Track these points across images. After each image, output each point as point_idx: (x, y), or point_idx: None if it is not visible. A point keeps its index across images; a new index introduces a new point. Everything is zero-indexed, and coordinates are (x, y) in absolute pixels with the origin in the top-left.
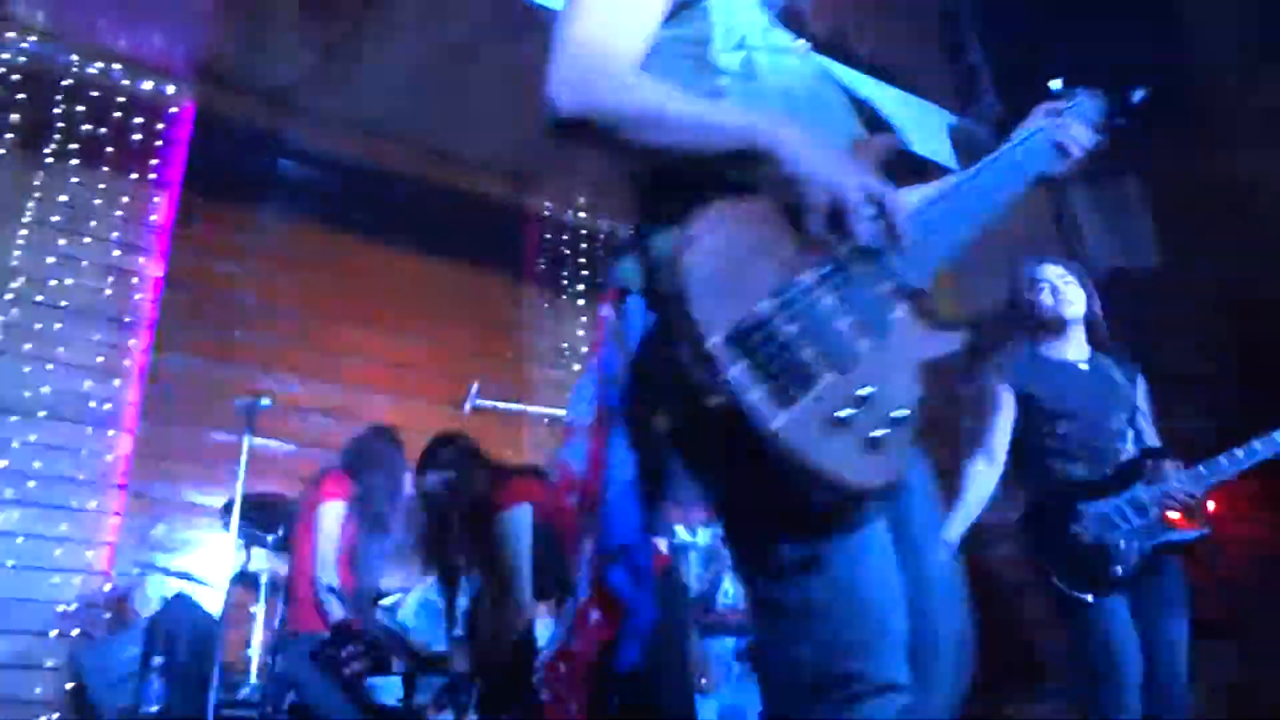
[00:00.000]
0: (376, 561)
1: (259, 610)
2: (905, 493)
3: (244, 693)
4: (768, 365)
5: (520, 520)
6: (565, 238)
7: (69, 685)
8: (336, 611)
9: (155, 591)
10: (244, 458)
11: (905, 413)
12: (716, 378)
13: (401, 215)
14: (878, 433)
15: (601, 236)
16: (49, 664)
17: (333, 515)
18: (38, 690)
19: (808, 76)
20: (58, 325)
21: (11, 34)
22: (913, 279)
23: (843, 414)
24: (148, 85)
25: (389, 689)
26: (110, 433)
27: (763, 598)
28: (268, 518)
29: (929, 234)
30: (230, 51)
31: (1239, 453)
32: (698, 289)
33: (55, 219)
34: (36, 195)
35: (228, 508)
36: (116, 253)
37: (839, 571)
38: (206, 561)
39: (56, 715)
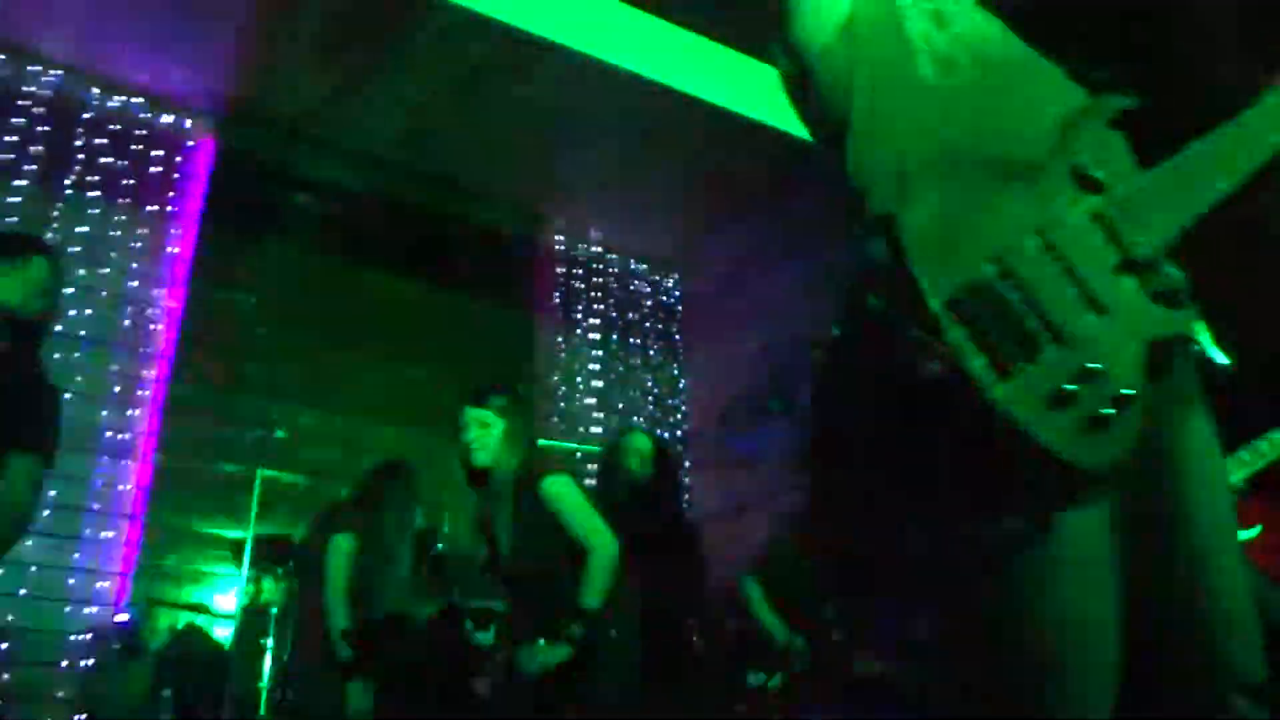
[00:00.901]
0: (386, 593)
1: (269, 642)
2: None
3: None
4: (988, 333)
5: None
6: (578, 271)
7: (80, 717)
8: (343, 653)
9: (166, 622)
10: (257, 489)
11: (1132, 392)
12: (935, 344)
13: (414, 247)
14: (1104, 411)
15: (614, 270)
16: (60, 694)
17: (343, 550)
18: None
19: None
20: (75, 354)
21: (35, 68)
22: (1142, 250)
23: (1067, 389)
24: (168, 119)
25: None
26: (125, 463)
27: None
28: (278, 551)
29: (1159, 203)
30: (248, 86)
31: (1262, 445)
32: (917, 250)
33: (74, 249)
34: (55, 226)
35: (239, 540)
36: (134, 283)
37: (1033, 570)
38: (217, 593)
39: None
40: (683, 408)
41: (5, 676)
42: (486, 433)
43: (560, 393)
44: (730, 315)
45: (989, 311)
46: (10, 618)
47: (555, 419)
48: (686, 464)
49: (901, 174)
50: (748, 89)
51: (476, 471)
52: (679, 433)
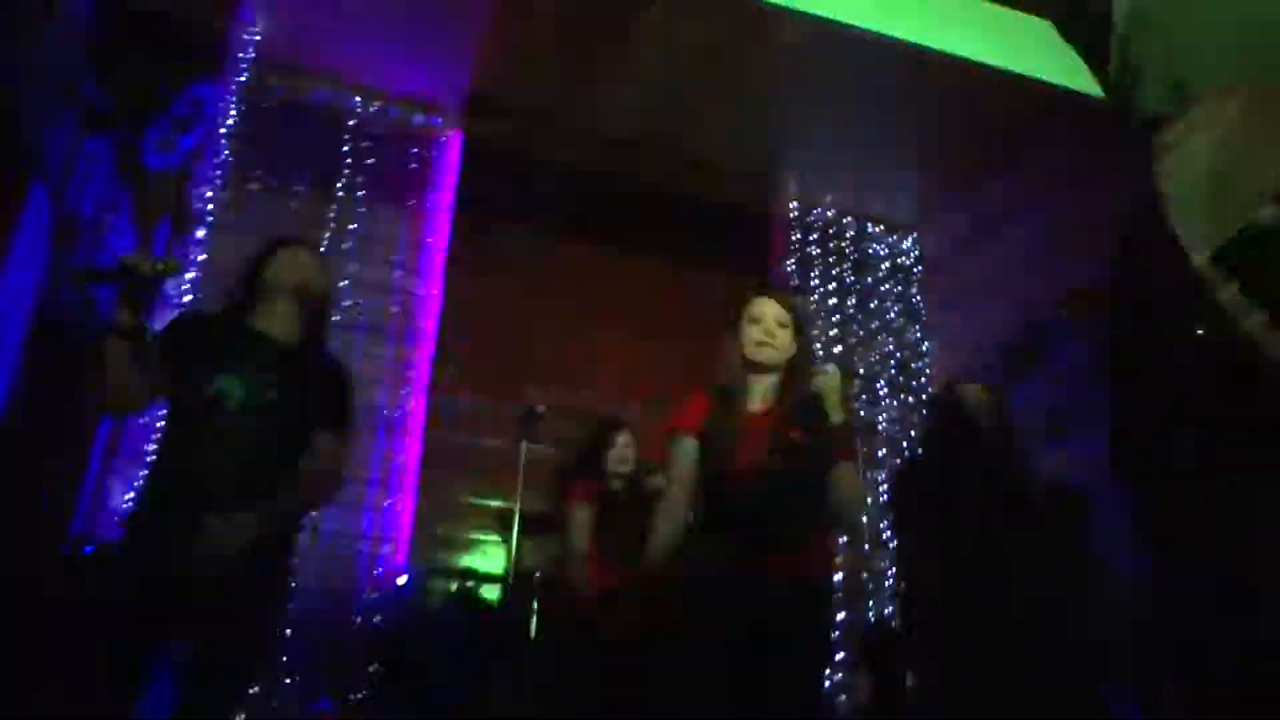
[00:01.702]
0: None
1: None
2: None
3: None
4: (1267, 287)
5: None
6: (814, 237)
7: (373, 668)
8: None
9: (441, 586)
10: (522, 461)
11: None
12: (1207, 302)
13: (654, 224)
14: None
15: (850, 235)
16: (354, 651)
17: (582, 516)
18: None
19: None
20: (352, 342)
21: (305, 83)
22: None
23: None
24: (419, 118)
25: None
26: (399, 439)
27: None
28: (538, 519)
29: None
30: (489, 80)
31: None
32: (1181, 195)
33: (346, 246)
34: (331, 225)
35: (502, 509)
36: (399, 274)
37: None
38: (485, 558)
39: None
40: (927, 372)
41: (304, 634)
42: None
43: None
44: (973, 275)
45: (1270, 262)
46: (308, 580)
47: None
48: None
49: (1177, 83)
50: (986, 39)
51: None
52: (923, 398)
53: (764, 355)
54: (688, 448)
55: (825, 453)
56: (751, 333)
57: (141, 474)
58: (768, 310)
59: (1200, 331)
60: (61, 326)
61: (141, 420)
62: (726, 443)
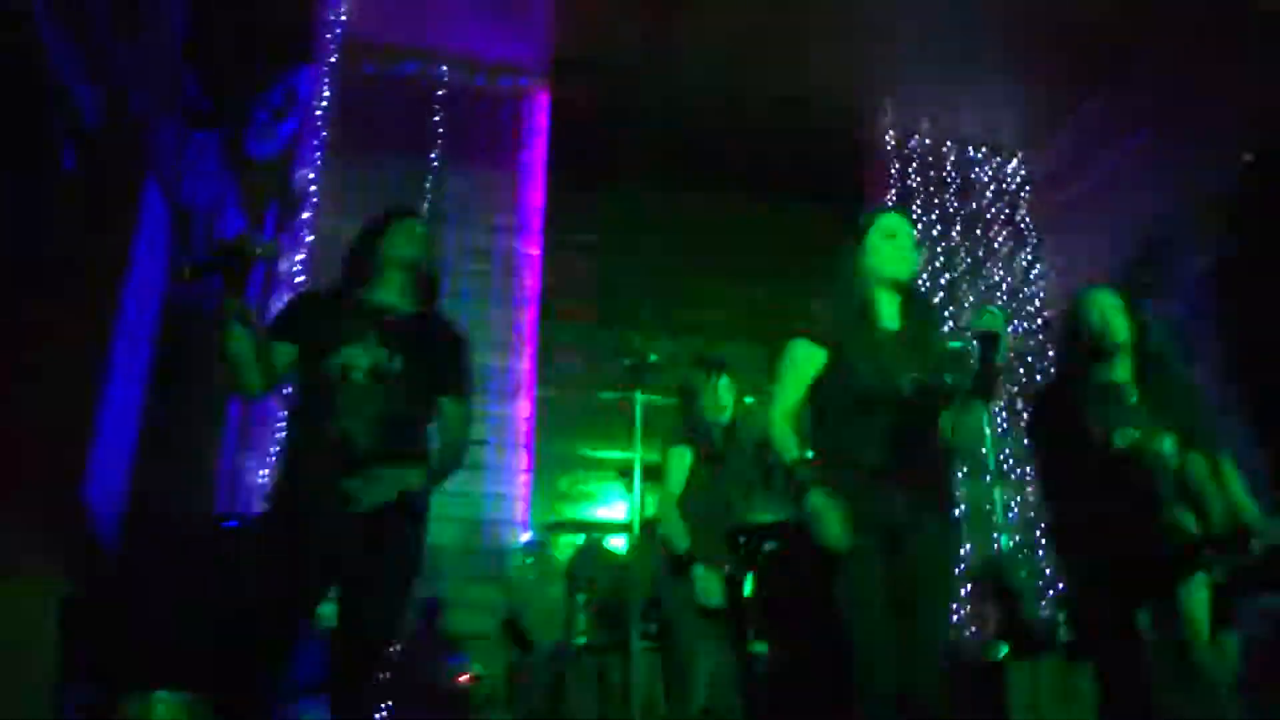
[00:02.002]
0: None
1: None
2: None
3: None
4: None
5: None
6: (914, 166)
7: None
8: (677, 546)
9: (567, 539)
10: (638, 412)
11: None
12: None
13: (748, 167)
14: None
15: (951, 160)
16: (486, 604)
17: (676, 459)
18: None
19: None
20: (459, 308)
21: (392, 59)
22: None
23: None
24: (507, 83)
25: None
26: (513, 399)
27: None
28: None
29: None
30: (572, 39)
31: None
32: None
33: (446, 214)
34: (430, 195)
35: (621, 460)
36: (500, 237)
37: None
38: (608, 509)
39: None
40: (1038, 296)
41: (437, 594)
42: None
43: None
44: (1081, 195)
45: None
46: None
47: None
48: (1051, 354)
49: None
50: None
51: None
52: (1037, 323)
53: (904, 271)
54: (814, 355)
55: (964, 389)
56: (887, 249)
57: (274, 450)
58: (901, 227)
59: None
60: (190, 314)
61: (270, 401)
62: (861, 358)
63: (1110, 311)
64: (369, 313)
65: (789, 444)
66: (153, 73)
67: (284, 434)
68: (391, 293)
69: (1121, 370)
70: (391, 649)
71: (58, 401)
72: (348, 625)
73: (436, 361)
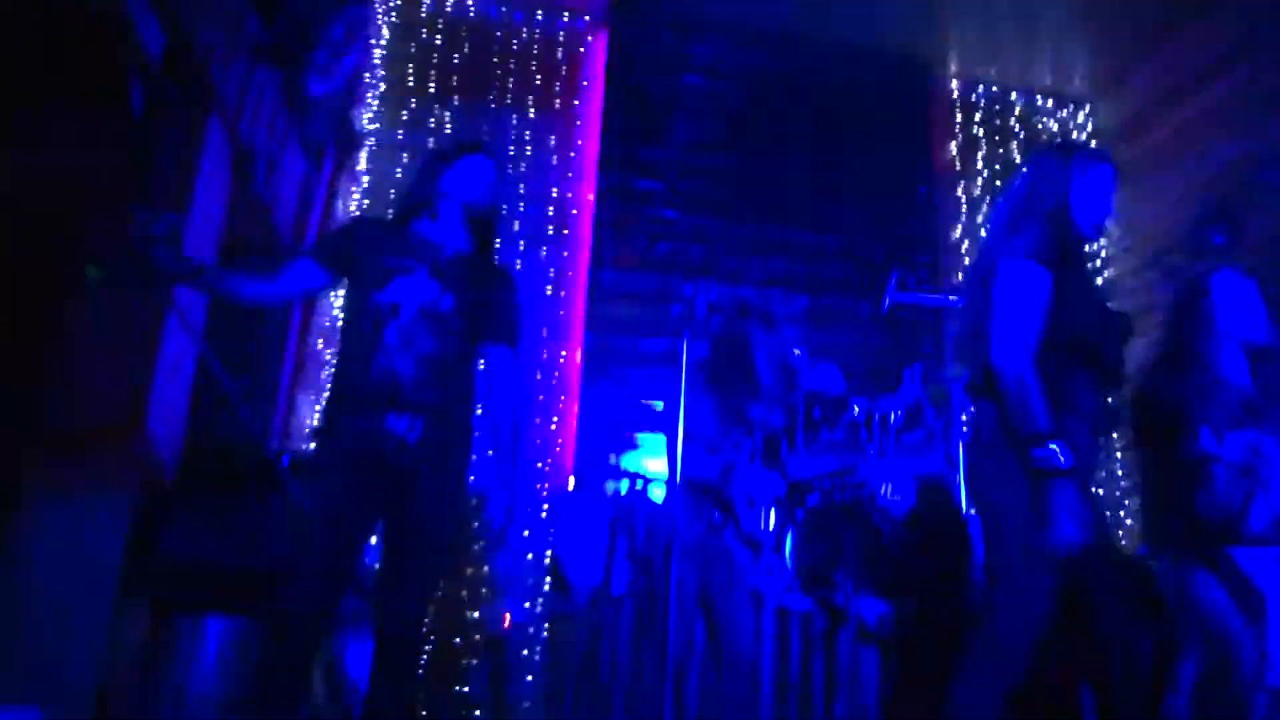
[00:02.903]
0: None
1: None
2: None
3: None
4: None
5: None
6: (977, 117)
7: (548, 562)
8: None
9: (612, 486)
10: (685, 360)
11: None
12: None
13: (808, 117)
14: None
15: (1017, 111)
16: (532, 547)
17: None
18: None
19: None
20: (513, 250)
21: None
22: None
23: None
24: (564, 22)
25: None
26: (563, 343)
27: None
28: None
29: None
30: None
31: None
32: None
33: (502, 157)
34: (484, 138)
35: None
36: (553, 181)
37: None
38: (654, 458)
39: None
40: (1103, 254)
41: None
42: None
43: (965, 249)
44: (1151, 149)
45: None
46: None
47: (960, 276)
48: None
49: None
50: None
51: None
52: (1099, 281)
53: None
54: (1043, 280)
55: None
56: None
57: (327, 385)
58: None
59: None
60: (246, 252)
61: (321, 342)
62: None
63: None
64: (423, 248)
65: (1038, 403)
66: (215, 9)
67: (334, 367)
68: (448, 230)
69: None
70: (437, 590)
71: (121, 337)
72: (392, 563)
73: (488, 304)
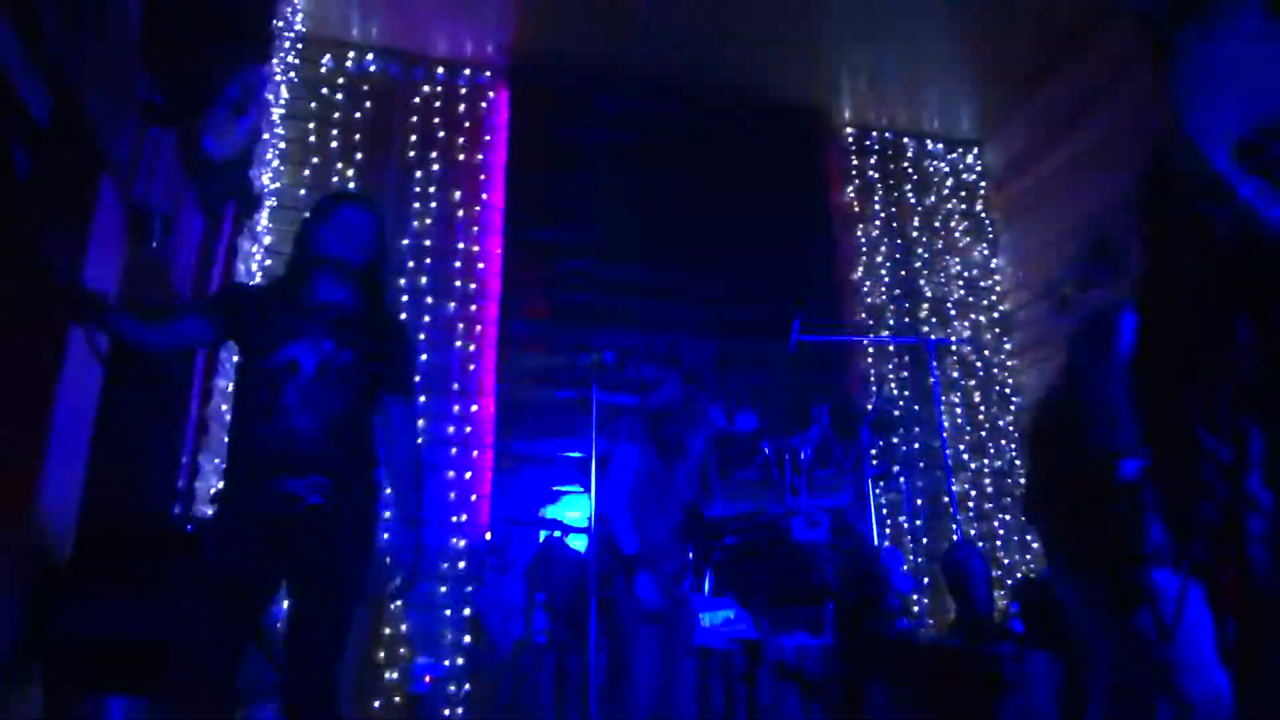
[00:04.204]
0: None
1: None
2: None
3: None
4: None
5: None
6: (872, 161)
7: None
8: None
9: (528, 537)
10: (594, 410)
11: None
12: (1227, 200)
13: (710, 163)
14: None
15: (909, 154)
16: (448, 603)
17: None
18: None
19: None
20: (417, 306)
21: (351, 56)
22: None
23: None
24: (465, 79)
25: None
26: (474, 396)
27: None
28: None
29: None
30: (531, 36)
31: None
32: (1195, 97)
33: (405, 210)
34: (387, 192)
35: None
36: (459, 236)
37: None
38: (569, 508)
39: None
40: (998, 289)
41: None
42: None
43: (865, 288)
44: (1039, 185)
45: None
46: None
47: (862, 315)
48: (1007, 347)
49: None
50: None
51: None
52: (995, 315)
53: None
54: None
55: None
56: None
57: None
58: None
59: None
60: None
61: (225, 405)
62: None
63: None
64: (315, 307)
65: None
66: (105, 70)
67: (229, 434)
68: (336, 285)
69: None
70: (346, 651)
71: (12, 402)
72: (299, 628)
73: (383, 357)
